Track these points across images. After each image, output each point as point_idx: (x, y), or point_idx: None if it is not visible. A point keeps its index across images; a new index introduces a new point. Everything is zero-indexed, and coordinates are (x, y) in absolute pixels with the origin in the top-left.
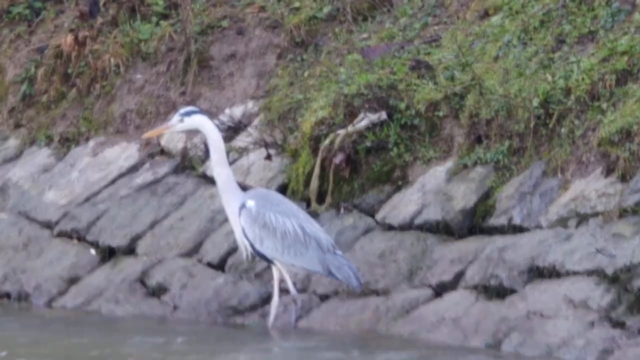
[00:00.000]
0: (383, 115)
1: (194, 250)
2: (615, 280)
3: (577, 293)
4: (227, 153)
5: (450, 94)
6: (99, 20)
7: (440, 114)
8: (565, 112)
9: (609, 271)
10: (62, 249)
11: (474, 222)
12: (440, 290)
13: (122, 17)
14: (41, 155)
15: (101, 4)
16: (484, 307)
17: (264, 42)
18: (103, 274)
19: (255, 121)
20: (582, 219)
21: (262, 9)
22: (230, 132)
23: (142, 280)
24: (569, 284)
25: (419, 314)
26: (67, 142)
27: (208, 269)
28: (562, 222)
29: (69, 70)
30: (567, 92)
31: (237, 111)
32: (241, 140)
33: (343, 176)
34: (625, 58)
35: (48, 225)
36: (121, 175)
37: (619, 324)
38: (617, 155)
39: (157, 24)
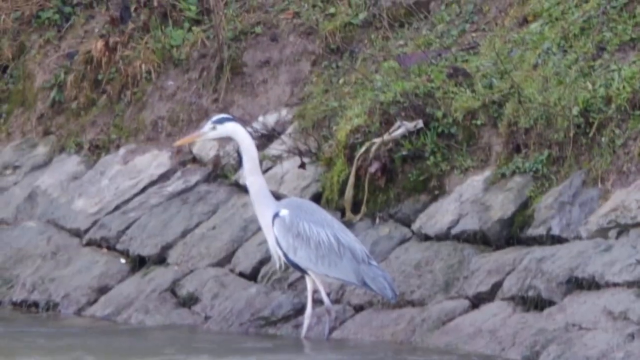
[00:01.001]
0: (420, 123)
1: (225, 260)
2: None
3: (617, 305)
4: (261, 161)
5: (489, 102)
6: (130, 25)
7: (478, 122)
8: (606, 121)
9: None
10: (92, 258)
11: (512, 233)
12: (477, 301)
13: (153, 22)
14: (71, 163)
15: (132, 9)
16: (522, 318)
17: (299, 48)
18: (133, 284)
19: (289, 129)
20: (623, 229)
21: (297, 14)
22: (264, 140)
23: (172, 290)
24: (609, 296)
25: (456, 325)
26: (97, 150)
27: (240, 279)
28: (602, 232)
29: (99, 77)
30: (608, 100)
31: (271, 119)
32: (275, 149)
33: (378, 185)
34: None
35: (77, 234)
36: (152, 184)
37: None
38: None
39: (189, 29)
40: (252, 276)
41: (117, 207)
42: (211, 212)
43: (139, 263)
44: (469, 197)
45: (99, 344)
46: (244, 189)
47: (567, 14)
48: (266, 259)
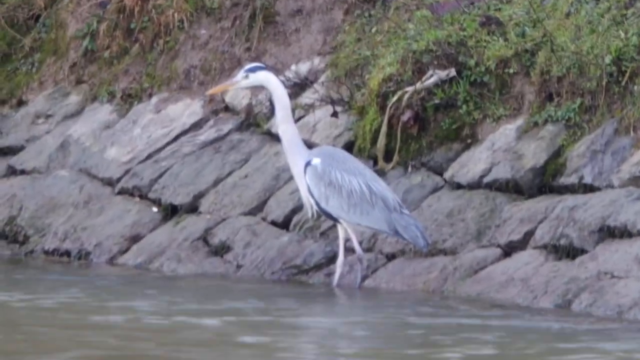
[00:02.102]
0: (452, 72)
1: (258, 209)
2: None
3: None
4: (293, 110)
5: (521, 50)
6: None
7: (511, 71)
8: (638, 70)
9: None
10: (124, 207)
11: (544, 181)
12: (509, 250)
13: None
14: (103, 112)
15: None
16: (554, 267)
17: None
18: (165, 232)
19: (322, 78)
20: None
21: None
22: (296, 88)
23: (205, 239)
24: None
25: (487, 274)
26: (130, 99)
27: (272, 227)
28: (634, 181)
29: (132, 26)
30: None
31: (303, 68)
32: (307, 97)
33: (411, 134)
34: None
35: (109, 183)
36: (184, 132)
37: None
38: None
39: None
40: (284, 225)
41: (149, 156)
42: (243, 161)
43: (171, 212)
44: (501, 145)
45: (131, 292)
46: (276, 138)
47: None
48: (298, 208)
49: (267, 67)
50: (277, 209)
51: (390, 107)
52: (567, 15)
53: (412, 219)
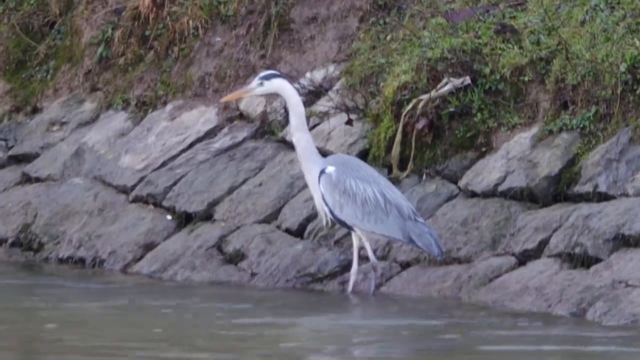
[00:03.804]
0: (467, 80)
1: (272, 217)
2: None
3: None
4: (308, 118)
5: (536, 58)
6: None
7: (526, 78)
8: None
9: None
10: (138, 215)
11: (559, 190)
12: (523, 258)
13: None
14: (118, 119)
15: None
16: (569, 275)
17: (346, 4)
18: (179, 240)
19: (337, 85)
20: None
21: None
22: (311, 96)
23: (219, 247)
24: None
25: (502, 282)
26: (144, 106)
27: (286, 235)
28: None
29: (147, 33)
30: None
31: (318, 75)
32: (322, 105)
33: (426, 142)
34: None
35: (124, 191)
36: (199, 140)
37: None
38: None
39: None
40: (298, 233)
41: (163, 164)
42: (258, 169)
43: (185, 219)
44: (516, 154)
45: (146, 301)
46: (290, 146)
47: None
48: (312, 216)
49: (281, 75)
50: (291, 216)
51: (405, 115)
52: (582, 23)
53: (427, 227)
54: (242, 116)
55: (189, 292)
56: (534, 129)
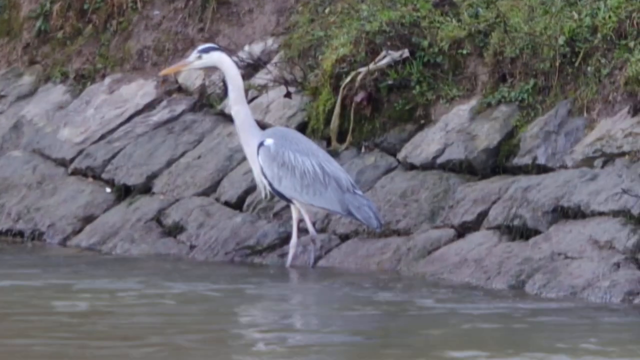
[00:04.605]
0: (405, 52)
1: (211, 189)
2: None
3: (603, 234)
4: (246, 91)
5: (475, 31)
6: None
7: (464, 51)
8: (592, 51)
9: (635, 212)
10: (77, 188)
11: (498, 162)
12: (462, 230)
13: None
14: (56, 92)
15: None
16: (507, 247)
17: None
18: (118, 213)
19: (275, 58)
20: (608, 158)
21: None
22: (250, 69)
23: (158, 220)
24: (594, 225)
25: (441, 255)
26: (83, 79)
27: (225, 208)
28: (588, 162)
29: (85, 6)
30: (594, 30)
31: (257, 48)
32: (260, 78)
33: (364, 115)
34: None
35: (62, 163)
36: (137, 113)
37: None
38: None
39: None
40: (237, 205)
41: (102, 137)
42: (196, 142)
43: (124, 192)
44: (455, 126)
45: (85, 273)
46: (229, 119)
47: None
48: (251, 188)
49: (220, 48)
50: (230, 189)
51: (344, 88)
52: None
53: (365, 199)
54: (180, 89)
55: (127, 263)
56: (473, 102)
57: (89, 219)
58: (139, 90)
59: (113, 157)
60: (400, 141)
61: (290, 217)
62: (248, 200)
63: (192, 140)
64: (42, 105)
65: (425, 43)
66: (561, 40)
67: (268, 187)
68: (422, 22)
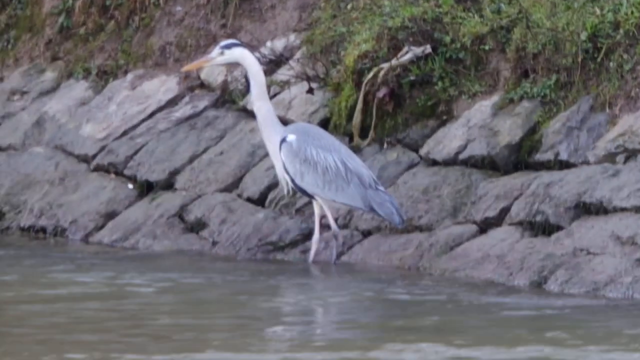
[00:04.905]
0: (428, 48)
1: (233, 185)
2: None
3: (625, 230)
4: (268, 87)
5: (497, 27)
6: None
7: (486, 47)
8: (614, 46)
9: None
10: (99, 184)
11: (520, 158)
12: (484, 226)
13: None
14: (78, 89)
15: None
16: (530, 243)
17: None
18: (141, 209)
19: (297, 54)
20: (631, 154)
21: None
22: (272, 65)
23: (180, 216)
24: (617, 221)
25: (463, 251)
26: (105, 75)
27: (248, 204)
28: (610, 157)
29: (107, 2)
30: (616, 25)
31: (279, 44)
32: (282, 74)
33: (386, 110)
34: None
35: (85, 160)
36: (160, 109)
37: None
38: None
39: None
40: (259, 201)
41: (124, 133)
42: (219, 138)
43: (146, 188)
44: (477, 122)
45: (108, 269)
46: (251, 115)
47: None
48: (274, 184)
49: (242, 44)
50: (252, 185)
51: (366, 84)
52: None
53: (388, 195)
54: (202, 85)
55: (150, 260)
56: (495, 97)
57: (111, 215)
58: (162, 87)
59: (135, 153)
60: (423, 137)
61: (313, 213)
62: (270, 196)
63: (214, 136)
64: (65, 102)
65: (448, 39)
66: (583, 35)
67: (290, 183)
68: (444, 17)
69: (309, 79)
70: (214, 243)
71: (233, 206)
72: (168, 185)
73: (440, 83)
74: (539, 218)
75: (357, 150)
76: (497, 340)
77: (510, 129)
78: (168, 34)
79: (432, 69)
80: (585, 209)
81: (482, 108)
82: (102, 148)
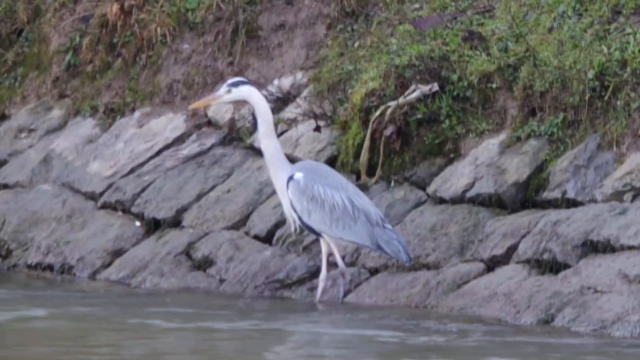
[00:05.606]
0: (435, 86)
1: (240, 223)
2: None
3: (632, 268)
4: (276, 124)
5: (504, 65)
6: None
7: (493, 85)
8: (621, 85)
9: None
10: (107, 221)
11: (527, 196)
12: (492, 264)
13: None
14: (86, 126)
15: None
16: (537, 281)
17: (314, 12)
18: (148, 247)
19: (304, 92)
20: (638, 192)
21: None
22: (279, 103)
23: (187, 253)
24: (624, 259)
25: (471, 289)
26: (112, 113)
27: (255, 241)
28: (617, 196)
29: (115, 40)
30: (623, 64)
31: (286, 82)
32: (290, 112)
33: (394, 148)
34: None
35: (92, 197)
36: (167, 147)
37: None
38: None
39: None
40: (267, 239)
41: (132, 170)
42: (226, 175)
43: (153, 226)
44: (484, 160)
45: (115, 307)
46: (259, 152)
47: None
48: (281, 222)
49: (249, 82)
50: (259, 223)
51: (373, 122)
52: (550, 30)
53: (395, 233)
54: (210, 123)
55: (157, 298)
56: (502, 136)
57: (118, 253)
58: (169, 124)
59: (142, 190)
60: (430, 175)
61: (320, 251)
62: (277, 234)
63: (221, 174)
64: (72, 139)
65: (455, 77)
66: (590, 74)
67: (297, 221)
68: (451, 56)
69: (316, 116)
70: (221, 280)
71: (240, 244)
72: (175, 222)
73: (447, 121)
74: (546, 256)
75: (364, 188)
76: None
77: (517, 167)
78: (175, 72)
79: (440, 107)
80: (592, 247)
81: (489, 146)
82: (110, 186)
